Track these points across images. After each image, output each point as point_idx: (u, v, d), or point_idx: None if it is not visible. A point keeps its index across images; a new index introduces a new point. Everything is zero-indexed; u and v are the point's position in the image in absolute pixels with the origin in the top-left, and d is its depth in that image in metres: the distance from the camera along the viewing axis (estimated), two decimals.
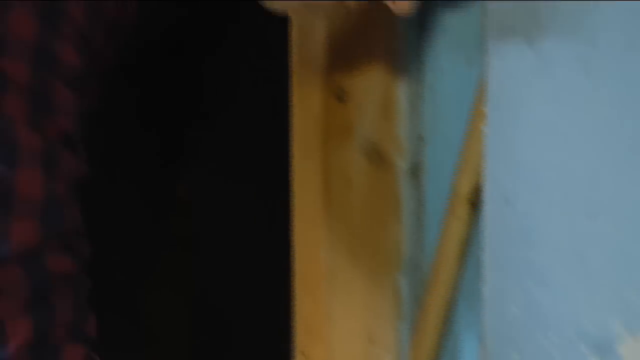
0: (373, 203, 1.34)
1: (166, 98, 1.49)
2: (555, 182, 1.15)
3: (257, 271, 1.59)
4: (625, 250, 1.09)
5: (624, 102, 1.09)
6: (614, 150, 1.11)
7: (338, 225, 1.35)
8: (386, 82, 1.31)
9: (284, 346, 1.39)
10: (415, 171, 1.35)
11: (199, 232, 1.66)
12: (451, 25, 1.30)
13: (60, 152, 0.94)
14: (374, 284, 1.33)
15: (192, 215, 1.66)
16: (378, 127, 1.32)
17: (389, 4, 1.04)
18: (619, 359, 1.03)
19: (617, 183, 1.10)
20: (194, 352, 1.49)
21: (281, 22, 1.34)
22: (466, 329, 1.32)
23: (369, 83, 1.32)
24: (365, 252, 1.34)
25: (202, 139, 1.70)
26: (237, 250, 1.64)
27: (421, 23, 1.32)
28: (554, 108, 1.15)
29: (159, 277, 1.34)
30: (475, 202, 1.24)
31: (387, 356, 1.36)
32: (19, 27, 0.93)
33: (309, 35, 1.34)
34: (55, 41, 0.96)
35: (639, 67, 1.06)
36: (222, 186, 1.70)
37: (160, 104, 1.04)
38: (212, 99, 1.68)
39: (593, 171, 1.12)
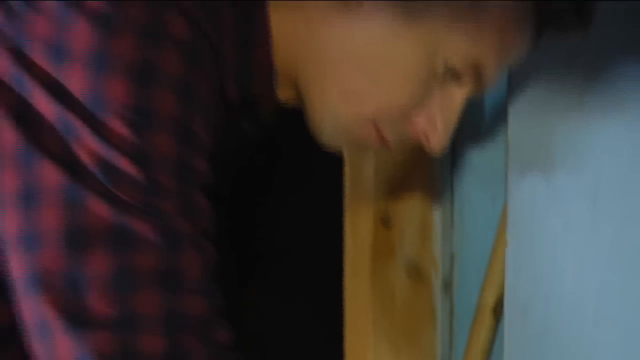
0: (412, 312, 1.45)
1: (237, 218, 1.58)
2: (566, 295, 1.26)
3: None
4: (629, 356, 1.20)
5: (626, 228, 1.21)
6: (618, 268, 1.22)
7: (383, 331, 1.45)
8: (424, 210, 1.45)
9: None
10: (448, 285, 1.48)
11: (264, 330, 1.76)
12: (478, 163, 1.42)
13: (205, 241, 0.98)
14: None
15: (259, 315, 1.77)
16: (417, 248, 1.45)
17: (424, 143, 1.10)
18: None
19: (620, 295, 1.22)
20: None
21: (337, 159, 1.43)
22: None
23: (409, 211, 1.44)
24: (406, 354, 1.44)
25: (269, 254, 1.82)
26: (296, 351, 1.73)
27: (453, 161, 1.44)
28: (565, 233, 1.27)
29: None
30: (498, 312, 1.35)
31: None
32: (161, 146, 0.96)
33: (360, 170, 1.45)
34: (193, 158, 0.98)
35: (634, 200, 1.19)
36: (286, 294, 1.81)
37: (232, 223, 1.15)
38: (278, 222, 1.81)
39: (599, 285, 1.24)
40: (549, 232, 1.29)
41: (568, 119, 1.27)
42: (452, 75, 1.07)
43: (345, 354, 1.49)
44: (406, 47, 1.04)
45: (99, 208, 0.91)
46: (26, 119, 0.93)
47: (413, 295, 1.45)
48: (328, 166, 1.44)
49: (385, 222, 1.45)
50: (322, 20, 1.05)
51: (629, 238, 1.23)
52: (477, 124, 1.44)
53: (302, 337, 1.76)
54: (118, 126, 0.92)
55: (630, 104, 1.21)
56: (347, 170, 1.47)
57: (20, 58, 0.93)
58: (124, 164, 0.91)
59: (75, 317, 0.92)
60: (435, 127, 1.09)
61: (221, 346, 0.98)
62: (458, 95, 1.09)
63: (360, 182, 1.46)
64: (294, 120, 1.13)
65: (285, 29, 1.07)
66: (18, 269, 0.94)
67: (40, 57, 0.93)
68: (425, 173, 1.44)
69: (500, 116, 1.38)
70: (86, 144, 0.92)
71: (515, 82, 1.33)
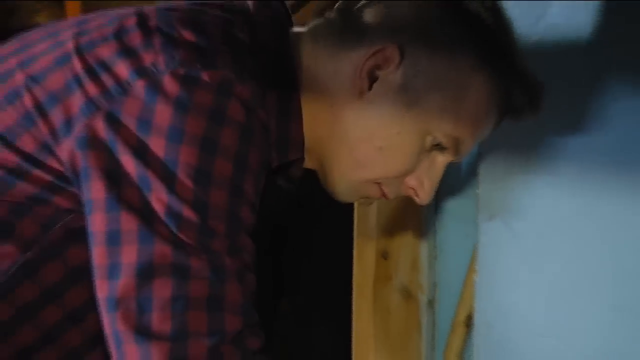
0: (404, 324, 1.57)
1: (274, 252, 1.74)
2: (521, 313, 1.39)
3: None
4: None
5: (569, 263, 1.34)
6: (561, 294, 1.35)
7: (381, 339, 1.57)
8: (413, 247, 1.57)
9: None
10: (432, 304, 1.59)
11: (294, 334, 1.92)
12: (455, 210, 1.56)
13: (246, 272, 1.06)
14: None
15: (291, 321, 1.93)
16: (408, 276, 1.57)
17: (414, 197, 1.21)
18: None
19: (563, 314, 1.35)
20: None
21: (348, 205, 1.52)
22: None
23: (402, 247, 1.57)
24: (398, 357, 1.57)
25: (297, 277, 1.98)
26: (316, 348, 1.88)
27: (436, 209, 1.58)
28: (521, 266, 1.40)
29: None
30: (469, 326, 1.48)
31: None
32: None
33: (366, 215, 1.58)
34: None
35: (577, 240, 1.33)
36: (311, 307, 1.97)
37: (269, 253, 1.23)
38: (302, 256, 1.97)
39: (546, 306, 1.36)
40: (508, 265, 1.41)
41: (525, 178, 1.39)
42: (437, 147, 1.19)
43: (353, 356, 1.61)
44: (406, 129, 1.15)
45: (164, 247, 1.01)
46: (114, 175, 1.02)
47: (405, 312, 1.57)
48: (341, 211, 1.53)
49: (384, 255, 1.58)
50: (341, 105, 1.16)
51: (570, 271, 1.35)
52: (455, 181, 1.54)
53: (320, 344, 1.90)
54: (185, 183, 1.01)
55: (570, 168, 1.33)
56: (355, 215, 1.59)
57: (115, 127, 1.01)
58: (187, 212, 1.01)
59: (142, 330, 1.01)
60: (423, 186, 1.21)
61: (253, 351, 1.06)
62: (441, 162, 1.20)
63: (365, 224, 1.58)
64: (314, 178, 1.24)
65: (313, 111, 1.17)
66: (102, 292, 1.03)
67: (129, 128, 1.01)
68: (415, 218, 1.57)
69: (472, 175, 1.49)
70: (158, 196, 1.01)
71: (484, 150, 1.43)
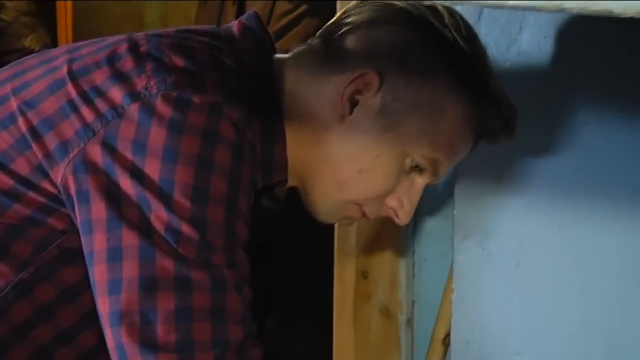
0: (383, 342, 1.60)
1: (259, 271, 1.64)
2: (496, 331, 1.43)
3: None
4: None
5: (541, 281, 1.38)
6: (534, 311, 1.39)
7: (361, 357, 1.61)
8: (392, 266, 1.60)
9: None
10: (410, 322, 1.62)
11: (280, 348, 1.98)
12: (432, 231, 1.59)
13: (243, 284, 1.09)
14: None
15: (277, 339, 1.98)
16: (387, 294, 1.60)
17: (394, 217, 1.24)
18: None
19: (537, 333, 1.39)
20: None
21: (330, 226, 1.58)
22: None
23: (381, 266, 1.60)
24: None
25: (281, 296, 2.05)
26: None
27: (414, 229, 1.60)
28: (495, 285, 1.43)
29: None
30: (446, 343, 1.51)
31: None
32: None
33: (346, 234, 1.62)
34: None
35: (550, 259, 1.37)
36: (295, 325, 2.03)
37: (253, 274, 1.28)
38: (287, 275, 2.05)
39: (521, 324, 1.40)
40: (484, 284, 1.44)
41: (499, 198, 1.42)
42: (416, 169, 1.21)
43: None
44: (385, 152, 1.19)
45: (166, 261, 1.04)
46: (114, 196, 1.05)
47: (384, 330, 1.60)
48: (322, 232, 1.55)
49: (364, 274, 1.61)
50: (323, 128, 1.19)
51: (544, 290, 1.39)
52: (432, 201, 1.57)
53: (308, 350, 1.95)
54: (183, 201, 1.04)
55: (543, 189, 1.37)
56: (336, 234, 1.62)
57: (111, 151, 1.05)
58: (185, 229, 1.04)
59: (147, 343, 1.04)
60: (403, 206, 1.23)
61: None
62: (419, 183, 1.23)
63: (345, 243, 1.62)
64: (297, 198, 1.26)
65: (296, 134, 1.20)
66: (104, 308, 1.05)
67: (126, 151, 1.05)
68: (394, 238, 1.60)
69: (449, 197, 1.51)
70: (158, 214, 1.04)
71: (459, 171, 1.45)
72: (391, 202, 1.24)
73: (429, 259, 1.60)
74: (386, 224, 1.54)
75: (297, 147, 1.21)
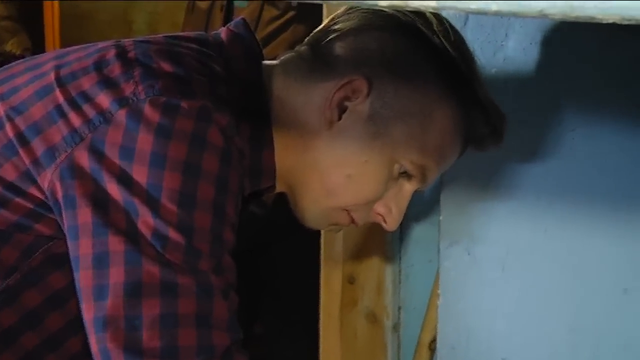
0: (370, 348, 1.62)
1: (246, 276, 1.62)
2: (482, 336, 1.44)
3: None
4: None
5: (526, 287, 1.39)
6: (520, 316, 1.40)
7: None
8: (378, 272, 1.61)
9: None
10: (396, 328, 1.64)
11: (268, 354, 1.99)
12: (419, 237, 1.60)
13: (230, 290, 1.09)
14: None
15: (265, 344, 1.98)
16: (374, 300, 1.61)
17: (382, 223, 1.24)
18: None
19: (522, 338, 1.40)
20: None
21: (317, 232, 1.58)
22: None
23: (368, 272, 1.61)
24: None
25: (269, 302, 2.04)
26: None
27: (401, 235, 1.61)
28: (481, 290, 1.44)
29: None
30: (433, 348, 1.52)
31: None
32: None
33: (333, 240, 1.62)
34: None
35: (536, 264, 1.38)
36: (282, 331, 2.03)
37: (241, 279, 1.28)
38: (274, 281, 2.04)
39: (507, 329, 1.41)
40: (470, 289, 1.45)
41: (485, 204, 1.43)
42: (404, 175, 1.21)
43: None
44: (374, 158, 1.18)
45: (152, 267, 1.03)
46: (101, 201, 1.04)
47: (370, 336, 1.62)
48: (309, 238, 1.56)
49: (350, 280, 1.61)
50: (311, 134, 1.19)
51: (530, 295, 1.39)
52: (418, 207, 1.59)
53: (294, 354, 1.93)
54: (170, 207, 1.03)
55: (529, 195, 1.38)
56: (322, 240, 1.62)
57: (99, 157, 1.04)
58: (172, 234, 1.03)
59: (132, 348, 1.03)
60: (391, 212, 1.23)
61: None
62: (408, 189, 1.23)
63: (332, 249, 1.62)
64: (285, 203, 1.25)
65: (285, 140, 1.19)
66: (89, 314, 1.05)
67: (113, 156, 1.04)
68: (380, 243, 1.61)
69: (435, 203, 1.52)
70: (145, 220, 1.03)
71: (446, 177, 1.46)
72: (379, 208, 1.24)
73: (416, 265, 1.62)
74: (373, 230, 1.55)
75: (285, 153, 1.21)
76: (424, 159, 1.21)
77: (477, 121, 1.22)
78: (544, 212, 1.37)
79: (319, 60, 1.21)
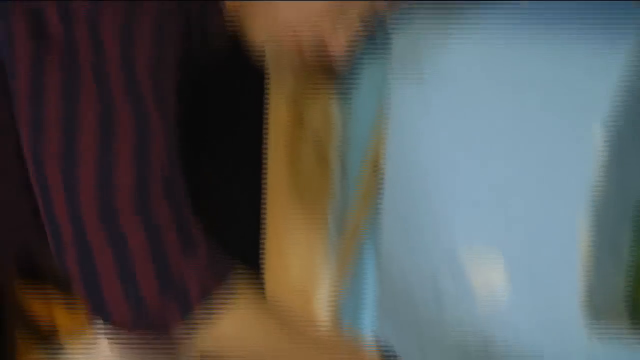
0: (317, 178, 1.63)
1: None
2: (428, 155, 1.43)
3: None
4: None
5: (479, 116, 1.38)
6: (469, 149, 1.39)
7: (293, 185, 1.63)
8: (326, 108, 1.61)
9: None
10: (343, 155, 1.64)
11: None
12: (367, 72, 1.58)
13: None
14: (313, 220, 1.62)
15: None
16: (323, 138, 1.61)
17: (328, 45, 1.26)
18: None
19: (472, 175, 1.39)
20: None
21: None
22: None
23: (319, 108, 1.61)
24: (310, 199, 1.62)
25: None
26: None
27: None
28: (428, 123, 1.44)
29: None
30: (378, 168, 1.51)
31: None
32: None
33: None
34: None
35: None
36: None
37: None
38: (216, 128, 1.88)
39: (454, 167, 1.41)
40: (415, 122, 1.45)
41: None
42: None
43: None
44: None
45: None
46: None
47: (316, 159, 1.63)
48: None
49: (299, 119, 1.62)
50: None
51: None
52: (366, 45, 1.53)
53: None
54: None
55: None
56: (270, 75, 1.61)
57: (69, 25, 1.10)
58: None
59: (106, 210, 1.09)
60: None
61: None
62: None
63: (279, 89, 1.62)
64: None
65: None
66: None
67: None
68: (331, 78, 1.59)
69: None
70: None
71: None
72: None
73: (363, 97, 1.62)
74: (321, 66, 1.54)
75: None
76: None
77: None
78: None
79: None
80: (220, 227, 1.25)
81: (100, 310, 1.10)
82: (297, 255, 1.61)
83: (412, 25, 1.44)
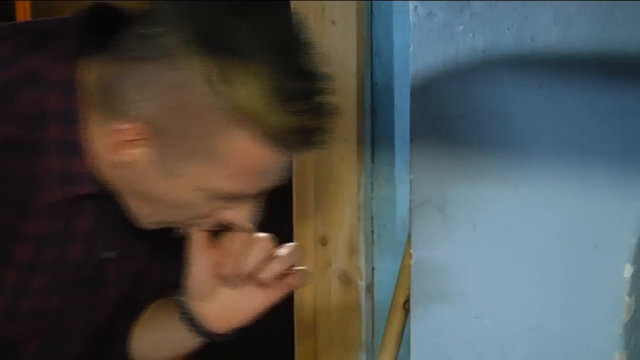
0: (343, 309, 1.62)
1: None
2: (455, 295, 1.43)
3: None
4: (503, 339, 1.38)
5: (498, 245, 1.39)
6: (491, 275, 1.40)
7: (322, 323, 1.64)
8: (351, 232, 1.61)
9: None
10: (370, 288, 1.64)
11: None
12: (390, 195, 1.58)
13: None
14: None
15: None
16: (346, 261, 1.62)
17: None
18: None
19: (494, 295, 1.40)
20: None
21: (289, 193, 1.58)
22: None
23: (340, 232, 1.61)
24: (339, 340, 1.63)
25: None
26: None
27: (373, 194, 1.58)
28: (451, 249, 1.43)
29: None
30: (407, 308, 1.52)
31: None
32: None
33: (304, 201, 1.62)
34: None
35: (507, 225, 1.37)
36: None
37: None
38: None
39: (479, 288, 1.40)
40: (441, 248, 1.45)
41: (454, 163, 1.41)
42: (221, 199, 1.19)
43: (295, 341, 1.65)
44: (175, 190, 1.18)
45: None
46: None
47: (344, 296, 1.62)
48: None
49: (322, 241, 1.62)
50: (111, 166, 1.19)
51: (499, 251, 1.40)
52: (389, 169, 1.60)
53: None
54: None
55: (498, 153, 1.37)
56: (294, 201, 1.62)
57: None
58: None
59: None
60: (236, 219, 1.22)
61: None
62: (231, 212, 1.22)
63: (303, 210, 1.63)
64: None
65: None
66: None
67: None
68: (352, 204, 1.60)
69: (405, 162, 1.53)
70: None
71: (415, 136, 1.43)
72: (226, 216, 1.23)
73: (388, 225, 1.60)
74: (344, 189, 1.54)
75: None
76: (230, 186, 1.17)
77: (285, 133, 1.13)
78: (513, 169, 1.36)
79: (108, 98, 1.18)
80: None
81: None
82: None
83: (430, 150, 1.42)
